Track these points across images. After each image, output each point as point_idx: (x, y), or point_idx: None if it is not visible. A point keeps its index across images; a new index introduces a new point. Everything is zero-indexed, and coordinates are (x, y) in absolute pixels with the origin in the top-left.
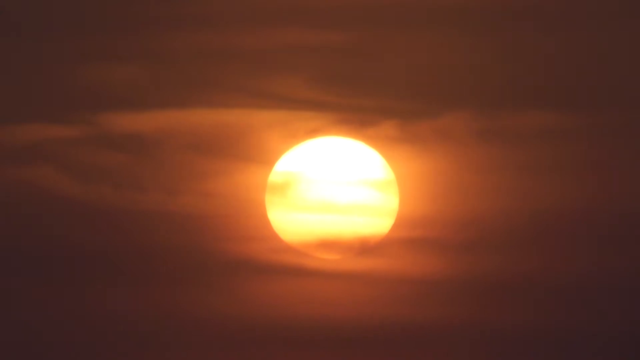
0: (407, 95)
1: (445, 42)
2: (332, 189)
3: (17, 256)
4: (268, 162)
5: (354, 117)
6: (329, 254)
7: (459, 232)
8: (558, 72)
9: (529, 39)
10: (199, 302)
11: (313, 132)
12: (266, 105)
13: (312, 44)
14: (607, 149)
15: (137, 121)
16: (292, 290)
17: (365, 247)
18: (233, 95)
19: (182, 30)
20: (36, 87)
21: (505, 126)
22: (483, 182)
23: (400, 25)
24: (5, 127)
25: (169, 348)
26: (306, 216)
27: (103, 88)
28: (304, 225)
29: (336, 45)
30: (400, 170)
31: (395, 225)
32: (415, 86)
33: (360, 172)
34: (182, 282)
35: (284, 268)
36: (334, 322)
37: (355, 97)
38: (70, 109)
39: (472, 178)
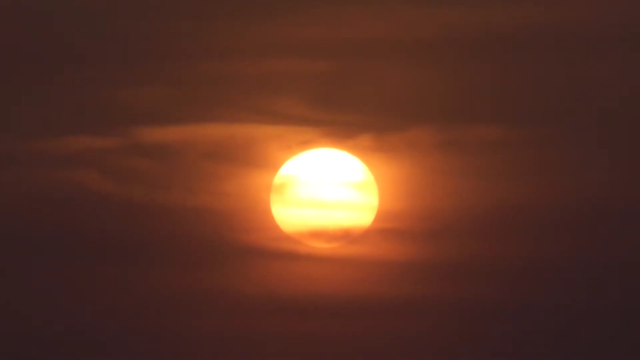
0: (381, 112)
1: (411, 69)
2: (322, 189)
3: (66, 243)
4: (269, 167)
5: (339, 130)
6: (319, 242)
7: (426, 224)
8: (502, 95)
9: (479, 68)
10: (214, 279)
11: (305, 143)
12: (267, 120)
13: (304, 71)
14: (542, 156)
15: (162, 134)
16: (289, 271)
17: (349, 237)
18: (240, 112)
19: (199, 60)
20: (82, 106)
21: (461, 138)
22: (444, 183)
23: (375, 56)
24: (57, 138)
25: (191, 316)
26: (301, 211)
27: (135, 106)
28: (299, 219)
29: (324, 73)
30: (377, 173)
31: (374, 219)
32: (387, 105)
33: (345, 176)
34: (201, 264)
35: (283, 253)
36: (322, 297)
37: (339, 114)
38: (109, 124)
39: (435, 180)
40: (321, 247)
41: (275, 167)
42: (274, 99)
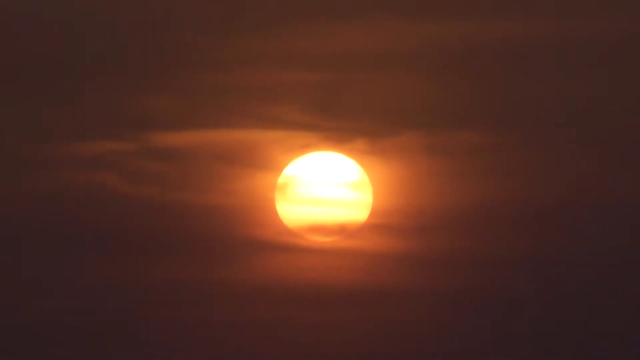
0: (374, 119)
1: (401, 80)
2: (321, 189)
3: (88, 238)
4: (273, 168)
5: (336, 135)
6: (318, 236)
7: (415, 220)
8: (482, 103)
9: (461, 78)
10: (224, 270)
11: (306, 147)
12: (271, 126)
13: (304, 81)
14: (517, 158)
15: (176, 138)
16: (291, 262)
17: (345, 231)
18: (246, 119)
19: (209, 71)
20: (103, 113)
21: (446, 142)
22: (431, 183)
23: (368, 67)
24: (79, 142)
25: (204, 303)
26: (302, 208)
27: (151, 114)
28: (301, 215)
29: (322, 83)
30: (371, 174)
31: (368, 215)
32: (380, 113)
33: (342, 176)
34: (211, 256)
35: (286, 246)
36: (321, 285)
37: (336, 121)
38: (127, 129)
39: (423, 180)
40: (320, 240)
41: (279, 169)
42: (277, 107)
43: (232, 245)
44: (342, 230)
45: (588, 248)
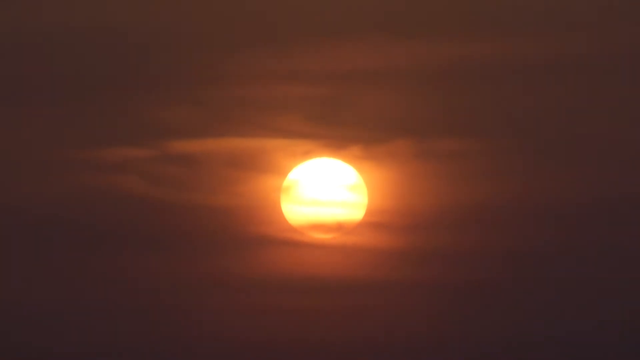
0: (368, 128)
1: (392, 93)
2: (321, 191)
3: (112, 235)
4: (278, 172)
5: (334, 143)
6: (318, 233)
7: (406, 218)
8: (465, 113)
9: (446, 91)
10: (233, 263)
11: (307, 153)
12: (276, 135)
13: (305, 95)
14: (497, 162)
15: (190, 145)
16: (294, 257)
17: (343, 229)
18: (254, 128)
19: (220, 85)
20: (127, 122)
21: (433, 148)
22: (420, 185)
23: (362, 82)
24: (105, 149)
25: (214, 292)
26: (304, 208)
27: (168, 123)
28: (303, 214)
29: (321, 96)
30: (366, 177)
31: (364, 215)
32: (373, 122)
33: (339, 179)
34: (222, 251)
35: (289, 242)
36: (321, 278)
37: (334, 130)
38: (147, 137)
39: (412, 182)
40: (320, 237)
41: (283, 173)
42: (281, 118)
43: (242, 241)
44: (340, 228)
45: (558, 240)
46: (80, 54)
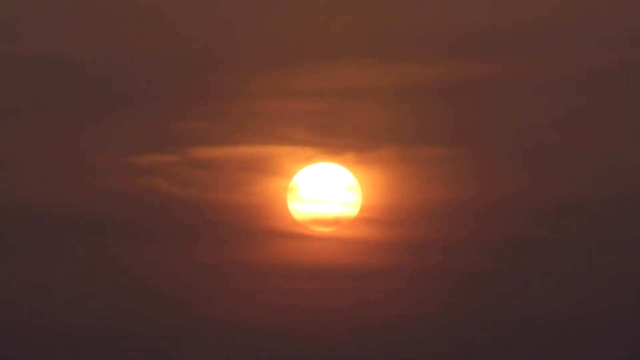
0: (361, 137)
1: (382, 108)
2: (321, 191)
3: (142, 230)
4: (285, 175)
5: (332, 150)
6: (319, 227)
7: (394, 214)
8: (446, 124)
9: (429, 107)
10: (246, 253)
11: (309, 159)
12: (282, 143)
13: (308, 108)
14: (474, 167)
15: (210, 152)
16: (298, 247)
17: (340, 223)
18: (263, 137)
19: (235, 101)
20: (155, 132)
21: (417, 155)
22: (406, 187)
23: (356, 98)
24: (137, 155)
25: (229, 278)
26: (307, 206)
27: (191, 133)
28: (306, 211)
29: (322, 110)
30: (360, 180)
31: (358, 211)
32: (365, 132)
33: (337, 181)
34: (236, 242)
35: (294, 235)
36: (321, 265)
37: (332, 138)
38: (173, 145)
39: (399, 184)
40: (321, 230)
41: (289, 175)
42: (287, 128)
43: (253, 234)
44: (337, 222)
45: (527, 233)
46: (118, 74)
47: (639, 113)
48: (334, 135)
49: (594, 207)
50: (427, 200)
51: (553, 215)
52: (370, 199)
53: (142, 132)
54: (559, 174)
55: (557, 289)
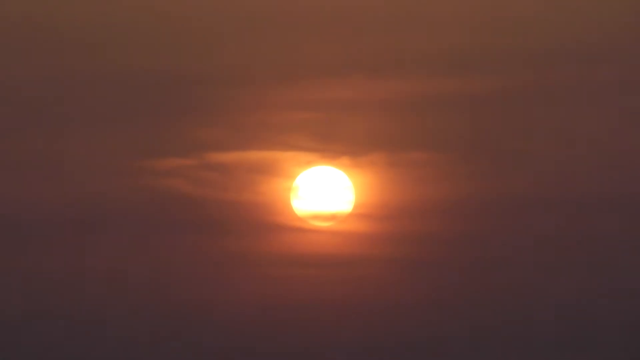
0: (354, 144)
1: (372, 118)
2: (320, 190)
3: (165, 226)
4: (288, 177)
5: (329, 155)
6: (318, 222)
7: (383, 210)
8: (426, 134)
9: (413, 118)
10: (254, 243)
11: (310, 163)
12: (286, 149)
13: (307, 119)
14: (448, 169)
15: (223, 156)
16: (299, 239)
17: (336, 219)
18: (270, 144)
19: (244, 112)
20: (175, 140)
21: (402, 159)
22: (393, 186)
23: (349, 109)
24: (159, 159)
25: (240, 265)
26: (307, 203)
27: (207, 140)
28: (306, 208)
29: (319, 119)
30: (353, 180)
31: (352, 208)
32: (358, 139)
33: (333, 182)
34: (246, 235)
35: (296, 228)
36: (319, 254)
37: (329, 145)
38: (191, 150)
39: (387, 184)
40: (319, 224)
41: (292, 177)
42: (290, 136)
43: (261, 227)
44: (334, 218)
45: (494, 226)
46: (147, 89)
47: (587, 122)
48: (330, 142)
49: (550, 204)
50: (411, 198)
51: (514, 210)
52: (362, 197)
53: (165, 139)
54: (518, 176)
55: (516, 277)
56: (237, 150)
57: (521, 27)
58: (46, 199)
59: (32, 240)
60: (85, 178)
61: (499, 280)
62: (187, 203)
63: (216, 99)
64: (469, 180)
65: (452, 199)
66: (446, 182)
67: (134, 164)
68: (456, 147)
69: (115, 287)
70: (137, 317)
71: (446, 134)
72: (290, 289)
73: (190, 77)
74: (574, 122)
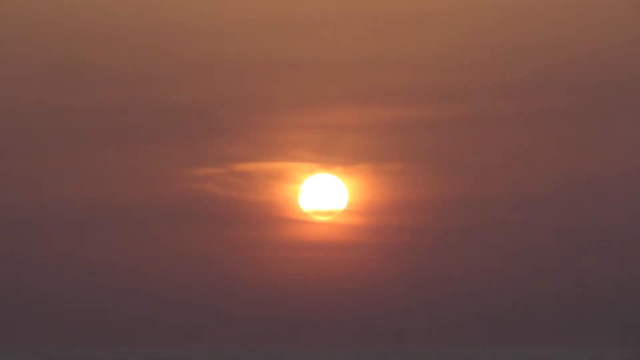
0: (346, 158)
1: (361, 138)
2: (320, 192)
3: (199, 221)
4: (296, 182)
5: (327, 165)
6: (320, 217)
7: (369, 208)
8: (406, 148)
9: (391, 136)
10: (268, 234)
11: (312, 171)
12: (294, 160)
13: (309, 138)
14: (422, 177)
15: (246, 166)
16: (305, 230)
17: (333, 214)
18: (282, 157)
19: (262, 132)
20: (208, 153)
21: (385, 168)
22: (377, 189)
23: (342, 131)
24: (195, 168)
25: (256, 251)
26: (311, 202)
27: (232, 154)
28: (310, 205)
29: (320, 138)
30: (347, 185)
31: (345, 206)
32: (350, 153)
33: (331, 186)
34: (263, 226)
35: (302, 221)
36: (320, 242)
37: (327, 158)
38: (220, 161)
39: (373, 188)
40: (320, 219)
41: (299, 182)
42: (297, 150)
43: (274, 220)
44: (331, 213)
45: (465, 225)
46: (189, 114)
47: (524, 140)
48: (328, 156)
49: (492, 203)
50: (390, 198)
51: (469, 208)
52: (353, 197)
53: (200, 153)
54: (471, 182)
55: (468, 261)
56: (255, 162)
57: (478, 67)
58: (114, 198)
59: (107, 230)
60: (142, 183)
61: (455, 260)
62: (217, 202)
63: (239, 122)
64: (435, 185)
65: (422, 199)
66: (417, 186)
67: (177, 172)
68: (426, 160)
69: (164, 263)
70: (181, 283)
71: (418, 149)
72: (297, 268)
73: (219, 106)
74: (516, 142)
